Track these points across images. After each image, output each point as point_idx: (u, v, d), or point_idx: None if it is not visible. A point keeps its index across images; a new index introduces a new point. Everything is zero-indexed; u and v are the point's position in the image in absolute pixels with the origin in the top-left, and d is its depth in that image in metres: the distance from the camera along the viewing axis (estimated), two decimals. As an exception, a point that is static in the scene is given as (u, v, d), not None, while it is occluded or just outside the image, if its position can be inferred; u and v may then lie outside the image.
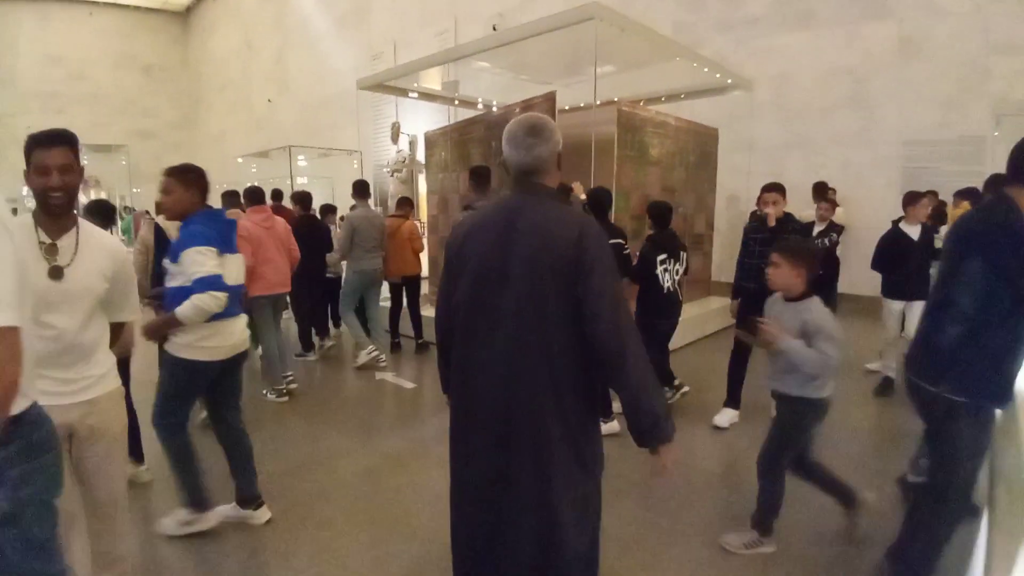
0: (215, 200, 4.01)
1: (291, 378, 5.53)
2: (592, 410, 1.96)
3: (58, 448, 1.67)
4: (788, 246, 2.89)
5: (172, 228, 3.75)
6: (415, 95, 8.54)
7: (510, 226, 1.87)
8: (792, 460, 2.94)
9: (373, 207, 7.81)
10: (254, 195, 5.49)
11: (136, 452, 3.61)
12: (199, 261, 2.82)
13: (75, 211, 2.20)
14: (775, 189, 4.43)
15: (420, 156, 10.52)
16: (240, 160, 15.12)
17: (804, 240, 4.64)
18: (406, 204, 7.07)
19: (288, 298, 6.02)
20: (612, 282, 1.84)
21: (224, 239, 3.04)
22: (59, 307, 2.05)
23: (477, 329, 1.92)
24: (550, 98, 5.88)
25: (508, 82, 9.01)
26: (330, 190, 14.08)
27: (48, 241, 2.06)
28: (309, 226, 6.44)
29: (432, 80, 8.62)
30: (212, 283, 2.81)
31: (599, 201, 4.57)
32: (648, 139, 6.69)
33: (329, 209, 7.89)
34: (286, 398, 5.37)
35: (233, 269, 3.08)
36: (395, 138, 11.59)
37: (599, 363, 1.83)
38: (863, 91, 8.53)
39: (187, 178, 3.04)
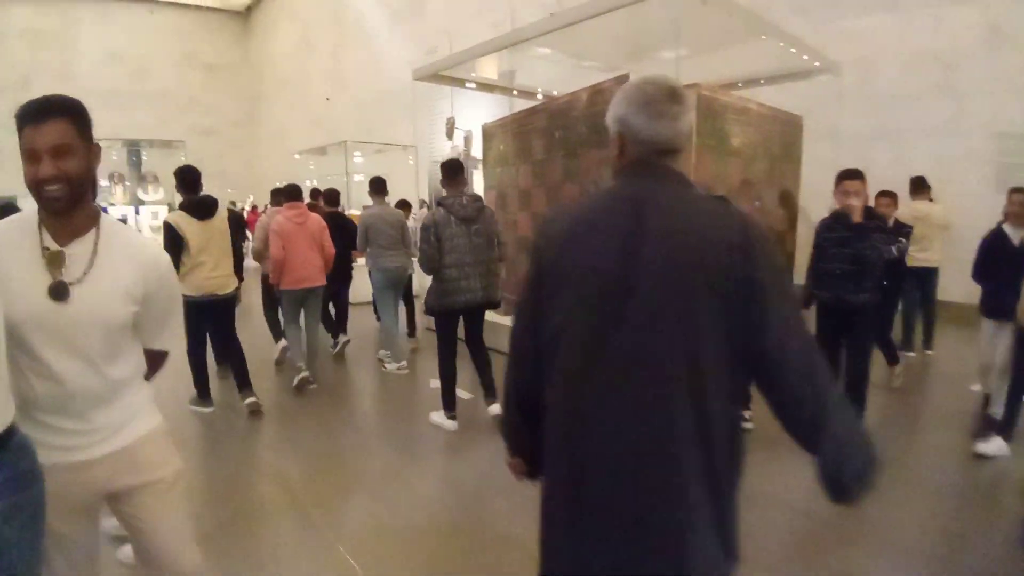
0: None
1: (306, 375, 5.50)
2: (740, 475, 1.32)
3: (43, 480, 1.41)
4: None
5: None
6: (472, 85, 7.98)
7: (636, 225, 1.28)
8: None
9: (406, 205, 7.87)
10: (289, 193, 5.61)
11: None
12: None
13: (97, 206, 1.67)
14: (856, 176, 3.69)
15: (475, 152, 10.12)
16: (297, 156, 14.89)
17: None
18: None
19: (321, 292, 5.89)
20: (794, 307, 1.27)
21: None
22: (63, 339, 1.53)
23: (588, 370, 1.29)
24: (622, 81, 5.24)
25: (568, 71, 8.39)
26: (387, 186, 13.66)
27: (54, 247, 1.54)
28: (335, 223, 6.26)
29: (488, 71, 8.07)
30: None
31: None
32: (729, 127, 5.99)
33: (403, 205, 7.77)
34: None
35: None
36: (450, 133, 11.07)
37: (786, 421, 1.23)
38: (951, 79, 7.70)
39: None
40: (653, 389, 1.22)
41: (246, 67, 26.18)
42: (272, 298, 6.23)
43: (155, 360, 1.88)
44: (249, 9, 25.81)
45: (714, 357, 1.21)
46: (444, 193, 4.60)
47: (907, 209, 6.16)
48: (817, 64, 6.93)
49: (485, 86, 8.08)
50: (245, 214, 16.45)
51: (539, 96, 8.15)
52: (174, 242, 4.41)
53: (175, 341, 1.91)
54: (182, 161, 16.16)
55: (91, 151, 1.56)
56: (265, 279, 6.18)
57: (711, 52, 6.89)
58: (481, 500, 3.61)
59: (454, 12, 13.81)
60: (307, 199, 6.70)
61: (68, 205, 1.51)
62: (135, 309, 1.64)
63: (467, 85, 7.91)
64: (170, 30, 24.58)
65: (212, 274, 4.64)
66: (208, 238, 4.59)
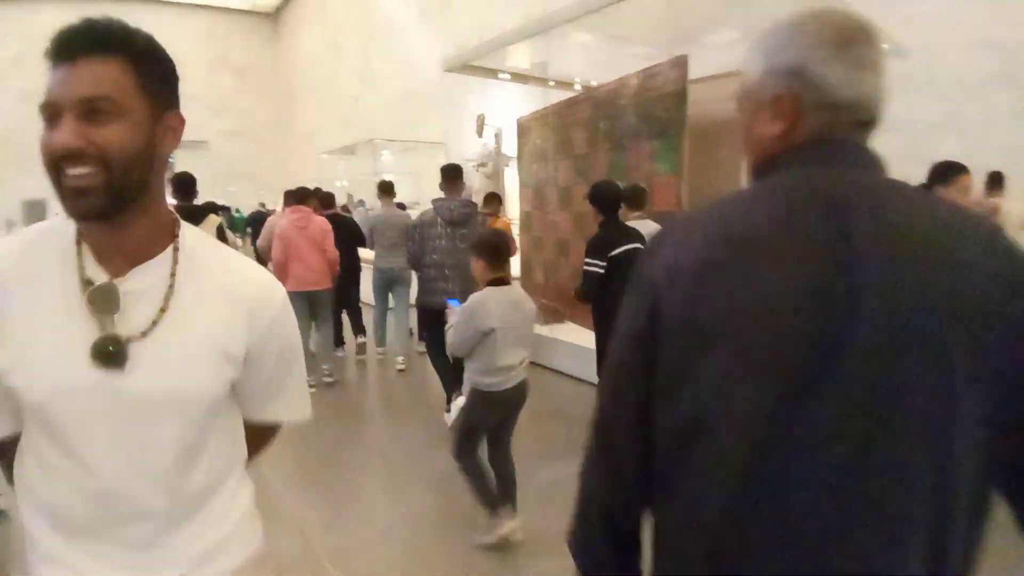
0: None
1: (327, 371, 5.68)
2: None
3: None
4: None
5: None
6: (505, 76, 7.39)
7: (840, 244, 0.73)
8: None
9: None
10: (295, 196, 5.72)
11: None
12: None
13: (172, 213, 1.03)
14: (966, 171, 3.34)
15: (505, 149, 9.57)
16: (325, 156, 14.46)
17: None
18: (494, 200, 6.15)
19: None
20: None
21: None
22: (115, 428, 0.91)
23: (781, 462, 0.74)
24: (680, 63, 4.64)
25: (607, 58, 7.76)
26: (415, 186, 13.34)
27: (101, 279, 0.91)
28: (333, 224, 6.14)
29: (521, 59, 7.49)
30: None
31: (606, 198, 3.71)
32: None
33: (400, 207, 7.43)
34: (313, 389, 5.10)
35: None
36: (480, 130, 10.61)
37: None
38: (1017, 68, 6.96)
39: None
40: (886, 523, 0.70)
41: (276, 69, 25.89)
42: None
43: (263, 436, 1.24)
44: (278, 11, 25.56)
45: (971, 426, 0.69)
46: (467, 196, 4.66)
47: (984, 206, 5.49)
48: (886, 46, 6.23)
49: (518, 76, 7.47)
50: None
51: (577, 86, 7.52)
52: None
53: (297, 408, 1.20)
54: (207, 163, 16.05)
55: (161, 121, 0.96)
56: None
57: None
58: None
59: (483, 7, 13.26)
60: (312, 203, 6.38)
61: (108, 206, 0.87)
62: (233, 375, 1.01)
63: (500, 76, 7.31)
64: (201, 33, 24.42)
65: None
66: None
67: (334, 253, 5.54)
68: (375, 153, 10.77)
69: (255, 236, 14.36)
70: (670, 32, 6.40)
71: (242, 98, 25.31)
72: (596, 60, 8.01)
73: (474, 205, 4.62)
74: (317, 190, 6.52)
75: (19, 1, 21.99)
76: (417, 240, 4.46)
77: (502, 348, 2.78)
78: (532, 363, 4.35)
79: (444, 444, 3.57)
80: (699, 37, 5.95)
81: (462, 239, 4.37)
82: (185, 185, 4.72)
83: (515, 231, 6.85)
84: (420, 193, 12.90)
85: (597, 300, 3.53)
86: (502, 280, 2.90)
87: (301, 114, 24.39)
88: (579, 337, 5.64)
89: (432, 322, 4.50)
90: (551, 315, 6.10)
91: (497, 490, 2.93)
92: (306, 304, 5.36)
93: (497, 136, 10.60)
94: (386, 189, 6.38)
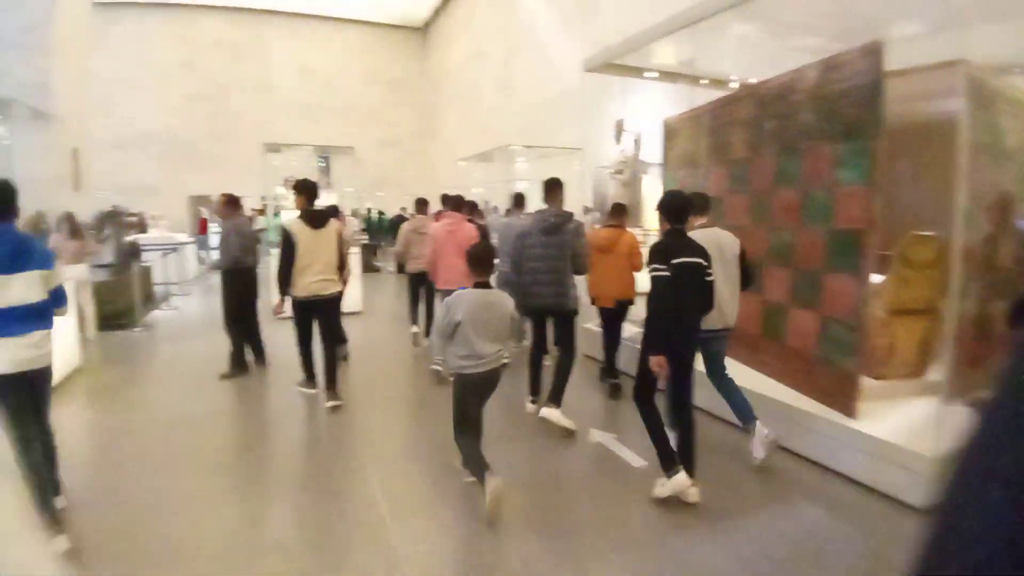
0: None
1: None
2: None
3: None
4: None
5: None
6: (652, 74, 6.61)
7: None
8: None
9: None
10: (449, 201, 6.48)
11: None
12: None
13: None
14: None
15: (644, 155, 9.01)
16: (462, 163, 14.35)
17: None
18: (620, 211, 5.75)
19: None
20: None
21: None
22: None
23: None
24: (874, 51, 3.70)
25: (766, 54, 6.75)
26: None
27: None
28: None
29: (667, 57, 6.66)
30: None
31: (673, 207, 3.58)
32: (1001, 120, 4.18)
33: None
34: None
35: (13, 289, 2.99)
36: (618, 136, 9.90)
37: None
38: None
39: None
40: None
41: (423, 80, 26.57)
42: (414, 293, 7.43)
43: None
44: (427, 25, 26.22)
45: None
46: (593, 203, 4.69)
47: None
48: None
49: (666, 75, 6.65)
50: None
51: (732, 84, 6.58)
52: (287, 243, 4.95)
53: None
54: (354, 167, 16.55)
55: None
56: (410, 278, 7.38)
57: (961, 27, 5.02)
58: None
59: (628, 9, 12.48)
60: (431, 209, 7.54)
61: None
62: None
63: (645, 75, 6.55)
64: (357, 48, 25.63)
65: (317, 278, 5.04)
66: (317, 245, 5.03)
67: None
68: (510, 160, 10.32)
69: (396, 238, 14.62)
70: (840, 24, 5.41)
71: (391, 109, 26.34)
72: (752, 56, 7.02)
73: (568, 215, 4.66)
74: (458, 197, 6.89)
75: (183, 10, 23.91)
76: (518, 247, 4.70)
77: (472, 338, 3.36)
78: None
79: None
80: (876, 29, 4.89)
81: (553, 246, 4.56)
82: (309, 190, 5.18)
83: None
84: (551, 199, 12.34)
85: (659, 303, 3.49)
86: (483, 284, 3.52)
87: (443, 123, 24.85)
88: (733, 372, 4.81)
89: (537, 324, 4.97)
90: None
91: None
92: None
93: (636, 142, 9.84)
94: (519, 201, 6.83)
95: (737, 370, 4.78)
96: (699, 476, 3.55)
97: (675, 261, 3.35)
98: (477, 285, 3.48)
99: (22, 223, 3.91)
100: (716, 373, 4.16)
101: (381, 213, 20.92)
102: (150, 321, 9.15)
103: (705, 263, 3.46)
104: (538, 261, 4.59)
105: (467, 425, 3.55)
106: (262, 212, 16.67)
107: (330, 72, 25.16)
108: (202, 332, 8.48)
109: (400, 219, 15.59)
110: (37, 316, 3.09)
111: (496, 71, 19.38)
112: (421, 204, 7.80)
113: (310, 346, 5.38)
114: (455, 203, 6.28)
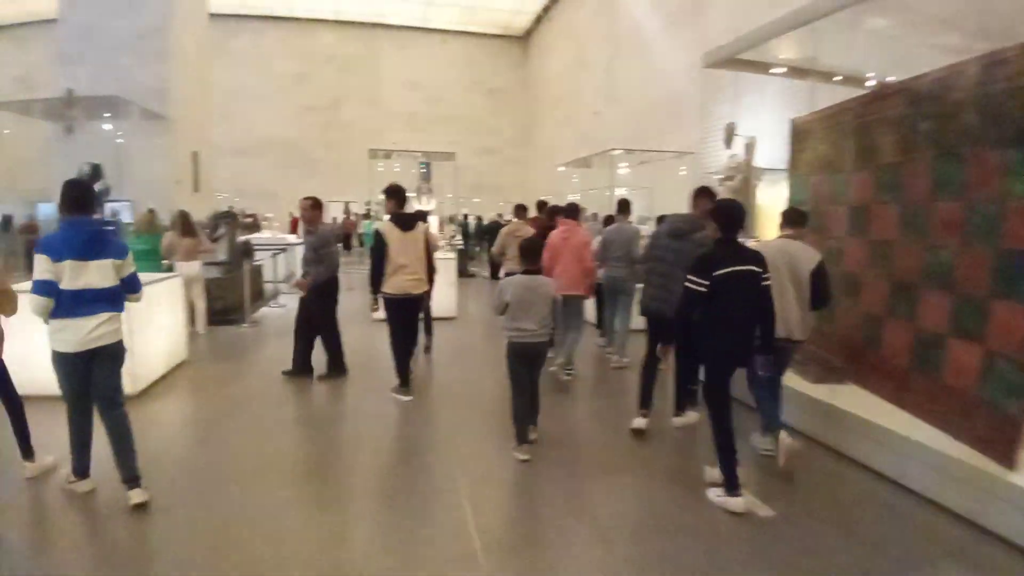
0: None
1: (571, 370, 6.23)
2: None
3: None
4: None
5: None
6: (780, 69, 5.93)
7: None
8: None
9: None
10: (563, 210, 6.48)
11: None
12: (35, 267, 3.14)
13: None
14: None
15: (758, 161, 8.35)
16: (561, 169, 13.96)
17: None
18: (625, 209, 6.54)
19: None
20: None
21: (72, 247, 3.21)
22: None
23: None
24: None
25: (902, 51, 5.96)
26: (648, 200, 12.26)
27: None
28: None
29: (793, 51, 6.00)
30: (35, 287, 3.15)
31: (729, 216, 3.53)
32: None
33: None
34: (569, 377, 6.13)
35: (90, 274, 3.26)
36: (728, 140, 9.15)
37: None
38: None
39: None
40: None
41: (524, 89, 26.53)
42: None
43: None
44: (528, 33, 26.14)
45: None
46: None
47: None
48: None
49: (796, 71, 5.96)
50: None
51: (869, 82, 5.81)
52: (379, 244, 5.24)
53: None
54: (454, 174, 16.58)
55: None
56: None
57: None
58: None
59: (740, 9, 11.66)
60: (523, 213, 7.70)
61: None
62: None
63: (771, 71, 5.89)
64: (460, 58, 25.89)
65: (408, 277, 5.29)
66: (407, 246, 5.28)
67: (590, 263, 6.01)
68: (612, 166, 9.79)
69: (491, 243, 14.45)
70: (978, 21, 4.65)
71: (492, 118, 26.48)
72: (885, 52, 6.21)
73: (695, 221, 4.50)
74: (573, 205, 6.87)
75: (302, 24, 24.98)
76: (648, 252, 4.85)
77: (519, 315, 4.04)
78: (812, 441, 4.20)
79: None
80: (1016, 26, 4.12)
81: (677, 251, 4.47)
82: (398, 195, 5.43)
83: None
84: (653, 206, 11.83)
85: (686, 318, 3.56)
86: (533, 271, 4.17)
87: (541, 131, 24.68)
88: (871, 408, 4.14)
89: (656, 328, 4.68)
90: (826, 372, 4.61)
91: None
92: (564, 305, 5.54)
93: (748, 147, 9.07)
94: (623, 208, 6.87)
95: (876, 407, 4.12)
96: (834, 528, 3.14)
97: (719, 272, 3.38)
98: (526, 272, 4.14)
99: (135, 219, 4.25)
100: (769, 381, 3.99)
101: (479, 218, 20.92)
102: (258, 318, 9.36)
103: (759, 269, 3.45)
104: (660, 263, 4.63)
105: (520, 389, 4.19)
106: (368, 216, 17.06)
107: (435, 83, 25.61)
108: None
109: (497, 224, 15.45)
110: (106, 300, 3.35)
111: (597, 77, 18.94)
112: (520, 209, 8.01)
113: (404, 347, 5.49)
114: (568, 211, 6.34)
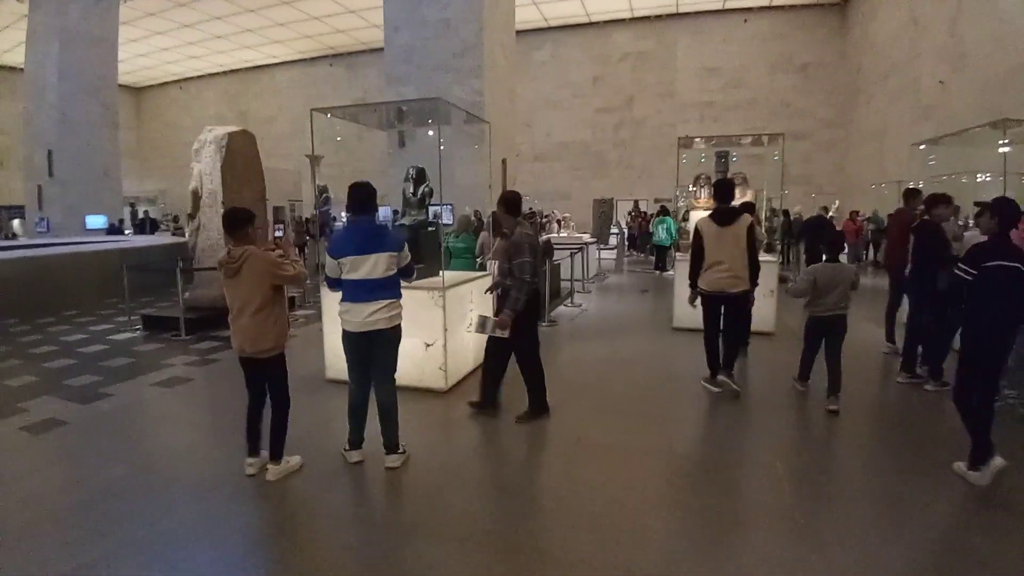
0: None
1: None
2: None
3: None
4: None
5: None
6: None
7: None
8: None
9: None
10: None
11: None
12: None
13: None
14: None
15: None
16: (922, 147, 11.09)
17: None
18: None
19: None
20: None
21: (352, 244, 3.80)
22: None
23: None
24: None
25: None
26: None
27: None
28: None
29: None
30: (326, 280, 4.08)
31: (1008, 212, 3.64)
32: None
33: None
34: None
35: (367, 267, 3.77)
36: None
37: None
38: None
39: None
40: None
41: (841, 63, 23.60)
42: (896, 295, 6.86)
43: None
44: (846, 0, 22.38)
45: None
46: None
47: None
48: None
49: None
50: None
51: None
52: (696, 239, 5.38)
53: None
54: (775, 160, 14.64)
55: None
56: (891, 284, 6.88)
57: None
58: None
59: None
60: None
61: None
62: None
63: None
64: (764, 36, 24.20)
65: (723, 274, 5.26)
66: (724, 241, 5.25)
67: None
68: (999, 140, 7.22)
69: (810, 242, 12.29)
70: None
71: (802, 98, 23.99)
72: None
73: None
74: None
75: (596, 28, 25.79)
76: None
77: (823, 293, 4.95)
78: None
79: None
80: None
81: None
82: (723, 189, 5.50)
83: None
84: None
85: (942, 302, 4.13)
86: (832, 260, 5.07)
87: (865, 109, 21.21)
88: None
89: None
90: None
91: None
92: None
93: None
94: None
95: None
96: None
97: (987, 264, 3.53)
98: (827, 261, 5.07)
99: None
100: None
101: (785, 212, 18.22)
102: (555, 316, 9.34)
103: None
104: None
105: (830, 351, 5.14)
106: (666, 212, 16.24)
107: (732, 67, 24.46)
108: (602, 334, 8.63)
109: (819, 219, 13.13)
110: (382, 288, 3.84)
111: (939, 40, 15.58)
112: (911, 195, 6.75)
113: (716, 343, 5.57)
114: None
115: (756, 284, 5.48)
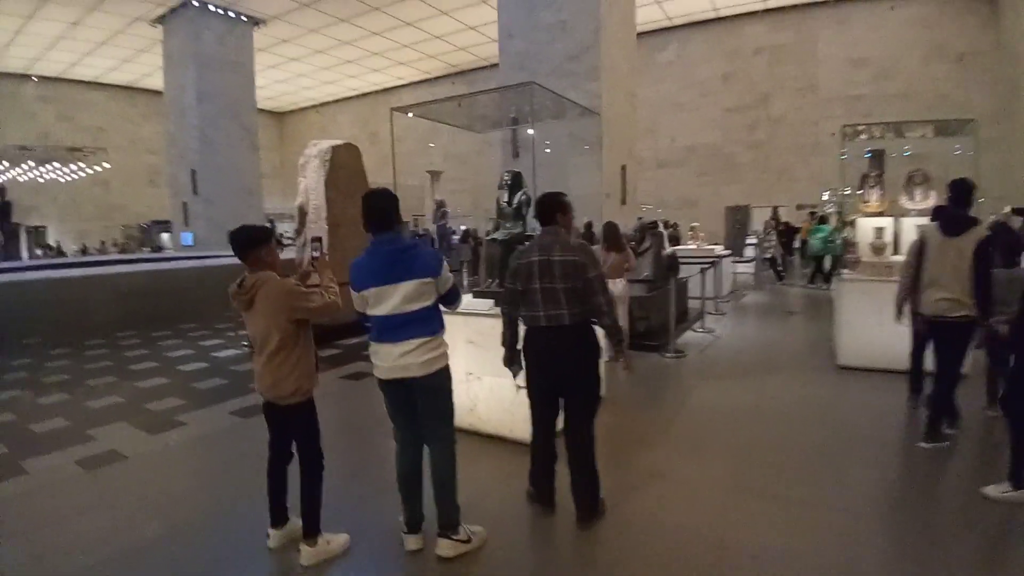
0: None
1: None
2: None
3: None
4: None
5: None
6: None
7: None
8: None
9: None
10: None
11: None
12: None
13: None
14: None
15: None
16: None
17: None
18: None
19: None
20: None
21: (371, 272, 2.97)
22: None
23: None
24: None
25: None
26: None
27: None
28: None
29: None
30: (359, 318, 3.15)
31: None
32: None
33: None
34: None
35: (395, 298, 2.93)
36: None
37: None
38: None
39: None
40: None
41: (1001, 51, 20.10)
42: None
43: None
44: (1010, -17, 18.90)
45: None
46: None
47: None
48: None
49: None
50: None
51: None
52: (918, 253, 4.43)
53: None
54: (957, 154, 12.20)
55: None
56: None
57: None
58: None
59: None
60: None
61: None
62: None
63: None
64: (914, 23, 21.11)
65: (940, 295, 4.24)
66: (946, 255, 4.23)
67: None
68: None
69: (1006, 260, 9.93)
70: None
71: (958, 90, 20.69)
72: None
73: None
74: None
75: (725, 23, 23.40)
76: None
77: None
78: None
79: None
80: None
81: None
82: (959, 189, 4.42)
83: None
84: None
85: None
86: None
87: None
88: None
89: None
90: None
91: None
92: None
93: None
94: None
95: None
96: None
97: None
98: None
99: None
100: None
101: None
102: (682, 345, 7.69)
103: None
104: None
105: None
106: (822, 220, 14.23)
107: (882, 58, 21.32)
108: (743, 372, 6.75)
109: (1002, 227, 10.59)
110: (412, 323, 2.97)
111: None
112: None
113: (921, 365, 4.99)
114: None
115: (988, 312, 4.10)
